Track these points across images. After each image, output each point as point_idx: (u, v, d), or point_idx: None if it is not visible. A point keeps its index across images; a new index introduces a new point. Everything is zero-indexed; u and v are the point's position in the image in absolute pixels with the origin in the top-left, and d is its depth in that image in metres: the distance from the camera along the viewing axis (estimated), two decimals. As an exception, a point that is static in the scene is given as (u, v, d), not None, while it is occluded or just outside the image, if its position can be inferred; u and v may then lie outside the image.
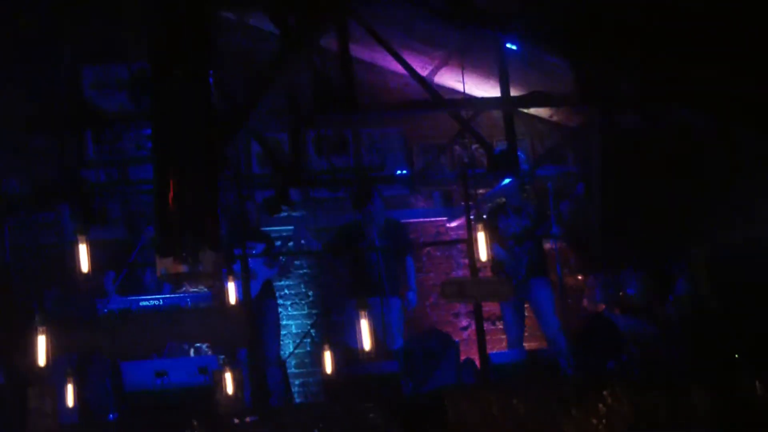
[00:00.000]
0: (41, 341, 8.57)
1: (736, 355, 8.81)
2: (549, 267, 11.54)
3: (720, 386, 6.96)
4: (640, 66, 9.66)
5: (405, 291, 11.36)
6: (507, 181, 11.49)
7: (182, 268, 6.41)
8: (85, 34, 11.76)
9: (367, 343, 8.88)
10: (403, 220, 12.39)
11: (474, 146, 12.75)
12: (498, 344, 12.40)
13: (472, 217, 9.71)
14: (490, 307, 12.36)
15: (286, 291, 12.50)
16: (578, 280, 11.89)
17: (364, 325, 8.86)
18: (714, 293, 10.19)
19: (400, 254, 11.49)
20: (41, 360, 8.59)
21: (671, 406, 6.85)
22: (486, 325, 10.43)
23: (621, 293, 10.83)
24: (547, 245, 11.64)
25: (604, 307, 11.01)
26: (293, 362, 12.14)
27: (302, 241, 11.33)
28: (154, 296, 10.37)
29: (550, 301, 11.30)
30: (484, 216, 11.41)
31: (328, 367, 9.69)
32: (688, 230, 10.48)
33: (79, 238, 8.96)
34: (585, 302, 11.45)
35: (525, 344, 11.70)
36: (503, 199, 11.87)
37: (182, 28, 6.59)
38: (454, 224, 13.03)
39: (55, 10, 11.33)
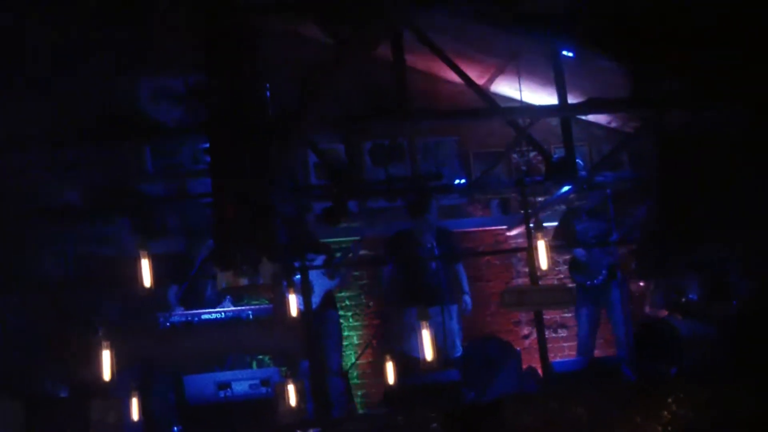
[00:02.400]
0: (105, 355, 8.68)
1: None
2: (632, 271, 11.55)
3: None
4: (694, 65, 9.61)
5: (461, 295, 11.39)
6: (566, 188, 11.48)
7: (243, 281, 6.45)
8: (142, 47, 11.86)
9: (429, 354, 8.90)
10: (460, 229, 12.40)
11: (531, 154, 12.74)
12: (560, 352, 12.40)
13: (531, 225, 9.72)
14: (552, 315, 12.35)
15: (347, 302, 12.53)
16: (640, 285, 11.83)
17: (426, 335, 8.88)
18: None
19: (451, 261, 11.53)
20: (106, 374, 8.69)
21: (733, 410, 6.81)
22: (547, 333, 10.44)
23: (683, 298, 10.77)
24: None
25: (666, 312, 10.96)
26: (355, 373, 12.16)
27: (361, 252, 11.37)
28: (215, 309, 10.44)
29: (626, 305, 11.26)
30: (556, 223, 11.52)
31: (390, 378, 9.72)
32: (749, 229, 10.39)
33: (141, 252, 9.07)
34: (647, 308, 11.41)
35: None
36: (575, 203, 11.88)
37: (233, 39, 6.65)
38: (513, 232, 13.01)
39: (112, 21, 11.44)
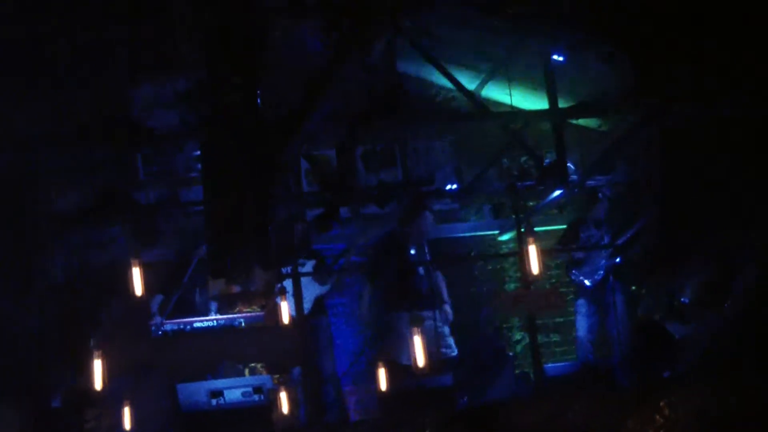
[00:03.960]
0: (97, 365, 8.68)
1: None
2: (631, 276, 11.58)
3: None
4: (692, 61, 9.61)
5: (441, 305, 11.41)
6: (557, 192, 11.50)
7: (235, 289, 6.46)
8: (135, 48, 11.84)
9: (421, 359, 8.90)
10: (453, 235, 12.39)
11: (523, 158, 12.75)
12: (552, 357, 12.38)
13: (522, 229, 9.72)
14: (544, 320, 12.34)
15: (340, 308, 12.51)
16: (633, 289, 11.86)
17: (418, 341, 8.89)
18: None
19: (435, 269, 11.53)
20: (97, 383, 8.69)
21: (728, 413, 6.81)
22: (540, 338, 10.44)
23: (676, 302, 10.78)
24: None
25: (659, 316, 10.97)
26: (348, 380, 12.15)
27: (352, 258, 11.37)
28: (207, 317, 10.44)
29: (621, 308, 11.27)
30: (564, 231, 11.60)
31: (383, 384, 9.72)
32: (751, 225, 10.39)
33: (133, 261, 9.09)
34: (640, 311, 11.42)
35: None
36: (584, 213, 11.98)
37: (234, 42, 6.66)
38: (505, 237, 13.01)
39: (105, 26, 11.43)
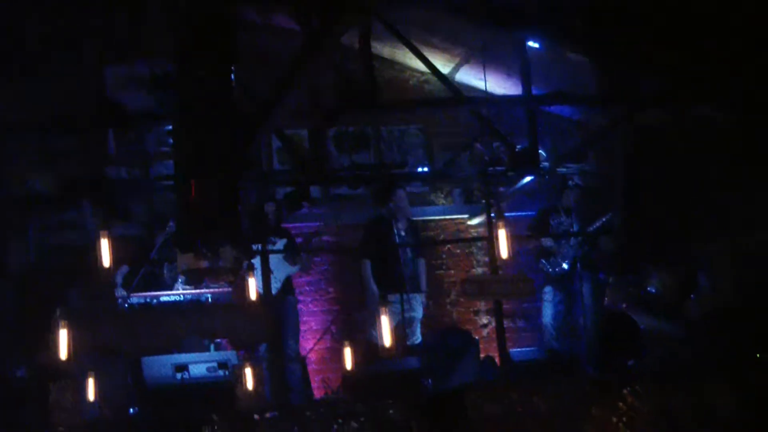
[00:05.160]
0: (63, 335, 8.61)
1: (758, 354, 8.77)
2: (599, 264, 11.61)
3: (742, 385, 6.93)
4: (662, 63, 9.63)
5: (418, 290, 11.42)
6: (528, 179, 11.50)
7: (203, 264, 6.41)
8: (107, 33, 11.78)
9: (387, 340, 8.88)
10: (423, 218, 12.38)
11: (495, 144, 12.71)
12: (518, 342, 12.39)
13: (492, 214, 9.70)
14: (511, 305, 12.36)
15: (307, 287, 12.49)
16: (601, 279, 11.87)
17: (385, 322, 8.86)
18: (737, 290, 10.15)
19: (418, 254, 11.54)
20: (63, 354, 8.62)
21: (692, 405, 6.83)
22: (506, 323, 10.43)
23: (642, 292, 10.81)
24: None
25: (625, 306, 10.99)
26: (313, 358, 12.14)
27: (323, 238, 11.35)
28: (174, 291, 10.39)
29: (588, 297, 11.29)
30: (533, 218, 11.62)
31: (348, 364, 9.70)
32: (711, 227, 10.44)
33: (101, 233, 9.02)
34: (606, 301, 11.44)
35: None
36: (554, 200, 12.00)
37: (205, 26, 6.59)
38: (474, 222, 13.01)
39: (77, 7, 11.36)
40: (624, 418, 6.71)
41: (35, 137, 11.23)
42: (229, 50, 6.65)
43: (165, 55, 7.62)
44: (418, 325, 11.34)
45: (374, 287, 11.17)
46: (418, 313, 11.35)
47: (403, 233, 11.34)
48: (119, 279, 10.63)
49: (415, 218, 12.05)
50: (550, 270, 11.62)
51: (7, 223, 11.10)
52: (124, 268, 10.67)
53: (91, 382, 9.17)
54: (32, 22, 11.23)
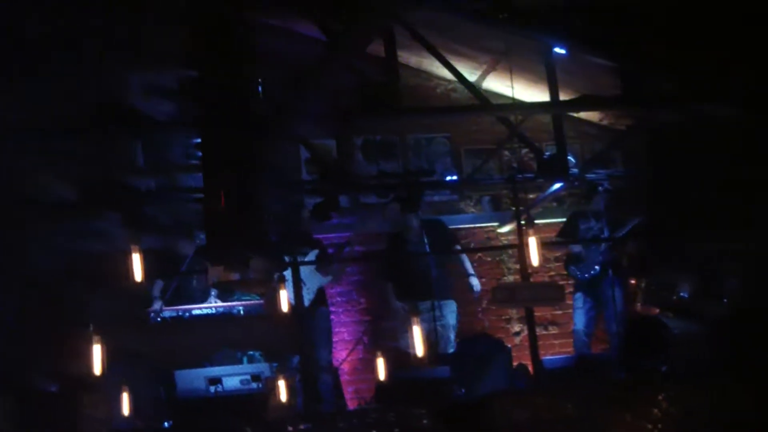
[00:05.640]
0: (96, 350, 8.67)
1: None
2: (630, 269, 11.62)
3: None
4: (683, 64, 9.63)
5: (466, 278, 11.43)
6: (557, 185, 11.51)
7: (233, 276, 6.46)
8: (132, 40, 11.83)
9: (420, 349, 8.90)
10: (452, 226, 12.40)
11: (523, 151, 12.75)
12: (551, 349, 12.40)
13: (522, 221, 9.72)
14: (542, 312, 12.36)
15: (338, 298, 12.51)
16: (631, 283, 11.86)
17: (417, 331, 8.89)
18: (765, 291, 10.12)
19: (445, 253, 11.55)
20: (96, 368, 8.68)
21: (726, 409, 6.82)
22: (538, 330, 10.44)
23: (674, 296, 10.79)
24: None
25: (657, 310, 10.98)
26: (346, 369, 12.17)
27: (355, 248, 11.39)
28: (206, 305, 10.44)
29: (618, 302, 11.29)
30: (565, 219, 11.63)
31: (381, 374, 9.72)
32: (738, 227, 10.40)
33: (132, 247, 9.08)
34: (638, 306, 11.43)
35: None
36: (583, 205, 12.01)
37: (226, 34, 6.65)
38: (504, 230, 13.02)
39: (103, 14, 11.42)
40: (659, 425, 6.72)
41: (60, 144, 11.29)
42: (249, 57, 6.71)
43: (188, 62, 7.69)
44: (452, 332, 11.33)
45: (396, 303, 11.25)
46: (451, 320, 11.35)
47: (416, 240, 11.32)
48: (156, 293, 10.68)
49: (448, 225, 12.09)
50: (580, 276, 11.63)
51: (31, 230, 11.18)
52: (159, 283, 10.73)
53: (124, 396, 9.23)
54: (60, 24, 11.27)
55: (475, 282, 11.53)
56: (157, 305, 10.40)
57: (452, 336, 11.31)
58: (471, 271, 11.59)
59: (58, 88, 11.04)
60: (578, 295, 11.71)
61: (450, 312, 11.35)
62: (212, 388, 9.38)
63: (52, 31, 10.90)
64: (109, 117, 11.12)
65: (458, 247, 11.85)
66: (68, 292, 10.67)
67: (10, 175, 10.57)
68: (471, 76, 11.92)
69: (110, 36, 11.40)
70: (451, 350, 11.15)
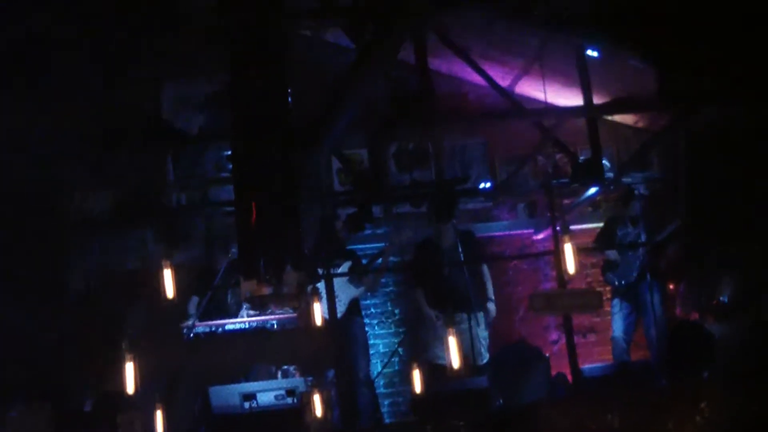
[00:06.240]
0: (129, 368, 8.69)
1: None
2: (669, 274, 11.56)
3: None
4: (720, 62, 9.57)
5: (484, 302, 11.35)
6: (592, 190, 11.47)
7: (266, 290, 6.44)
8: (164, 53, 11.85)
9: (456, 361, 8.87)
10: (487, 234, 12.36)
11: (557, 155, 12.70)
12: (589, 357, 12.33)
13: (558, 227, 9.67)
14: (581, 320, 12.31)
15: (372, 310, 12.50)
16: (670, 288, 11.80)
17: (452, 342, 8.86)
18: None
19: (474, 265, 11.48)
20: (129, 387, 8.70)
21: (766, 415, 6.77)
22: (576, 338, 10.38)
23: (714, 301, 10.72)
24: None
25: (697, 315, 10.92)
26: (382, 382, 12.15)
27: (390, 258, 11.35)
28: (239, 319, 10.44)
29: (658, 308, 11.22)
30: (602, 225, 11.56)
31: (417, 386, 9.70)
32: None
33: (164, 263, 9.09)
34: (678, 311, 11.37)
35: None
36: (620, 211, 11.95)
37: (260, 43, 6.65)
38: (540, 236, 12.97)
39: (134, 28, 11.45)
40: (702, 432, 6.67)
41: (93, 160, 11.32)
42: (282, 67, 6.70)
43: (221, 73, 7.70)
44: (482, 344, 11.26)
45: (429, 310, 11.22)
46: (481, 332, 11.27)
47: (451, 250, 11.26)
48: (192, 309, 10.70)
49: (480, 234, 12.05)
50: (617, 283, 11.58)
51: (66, 247, 11.23)
52: (195, 298, 10.75)
53: (159, 414, 9.24)
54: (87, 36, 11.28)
55: (492, 308, 11.44)
56: (190, 321, 10.41)
57: (483, 349, 11.23)
58: (491, 294, 11.48)
59: (86, 103, 11.09)
60: (616, 301, 11.66)
61: (479, 323, 11.27)
62: (247, 404, 9.37)
63: (81, 46, 10.96)
64: (141, 131, 11.17)
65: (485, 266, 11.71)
66: (104, 309, 10.72)
67: (45, 191, 10.64)
68: (503, 81, 11.90)
69: (140, 48, 11.46)
70: (484, 362, 11.09)
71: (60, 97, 10.93)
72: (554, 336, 12.78)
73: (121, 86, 11.67)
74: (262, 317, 10.35)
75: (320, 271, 9.98)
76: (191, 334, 10.21)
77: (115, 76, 11.60)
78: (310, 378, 9.99)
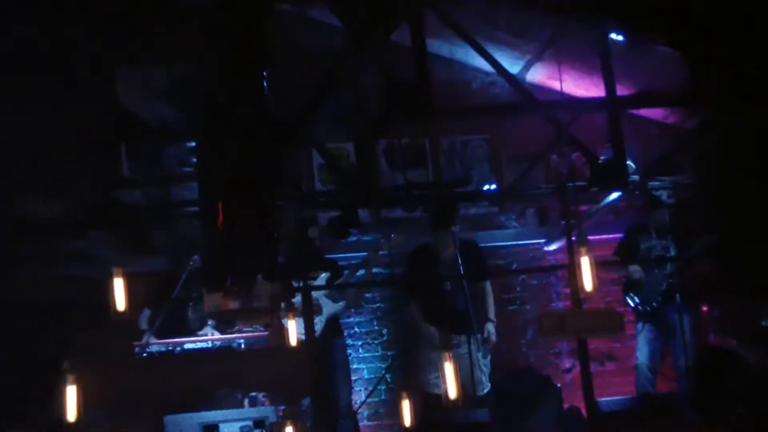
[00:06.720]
0: (71, 392, 8.57)
1: None
2: (698, 294, 11.51)
3: None
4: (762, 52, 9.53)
5: (483, 323, 11.28)
6: (614, 195, 11.40)
7: (234, 304, 6.38)
8: (120, 35, 11.80)
9: (453, 390, 8.79)
10: (491, 244, 12.30)
11: (574, 155, 12.64)
12: (608, 388, 12.28)
13: (573, 238, 9.61)
14: (598, 345, 12.27)
15: (357, 329, 12.48)
16: (703, 311, 11.76)
17: (449, 369, 8.78)
18: None
19: (477, 281, 11.42)
20: (71, 415, 8.59)
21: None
22: (593, 366, 10.34)
23: (754, 325, 10.69)
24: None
25: (734, 342, 10.88)
26: (365, 413, 12.12)
27: (374, 270, 11.29)
28: (201, 338, 10.39)
29: (688, 333, 11.17)
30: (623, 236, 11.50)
31: (407, 419, 9.63)
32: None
33: (115, 271, 8.97)
34: (711, 337, 11.34)
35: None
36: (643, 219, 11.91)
37: (235, 20, 6.60)
38: (552, 248, 12.93)
39: (87, 12, 11.42)
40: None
41: (36, 154, 11.28)
42: (261, 51, 6.64)
43: (185, 57, 7.63)
44: (481, 372, 11.18)
45: (428, 327, 11.14)
46: (482, 357, 11.18)
47: (451, 263, 11.19)
48: (144, 324, 10.64)
49: (483, 245, 12.00)
50: (640, 307, 11.52)
51: (17, 255, 11.16)
52: (147, 312, 10.69)
53: (106, 446, 9.18)
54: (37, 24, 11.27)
55: (492, 329, 11.37)
56: (147, 338, 10.34)
57: (483, 377, 11.17)
58: (491, 315, 11.43)
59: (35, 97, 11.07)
60: (640, 324, 11.60)
61: (482, 347, 11.21)
62: (208, 437, 9.34)
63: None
64: (95, 124, 11.12)
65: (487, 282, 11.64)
66: (50, 323, 10.65)
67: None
68: (513, 68, 11.85)
69: (100, 32, 11.43)
70: (484, 392, 11.03)
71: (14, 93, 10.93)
72: (567, 364, 12.76)
73: (71, 76, 11.63)
74: (228, 335, 10.31)
75: (296, 283, 9.92)
76: (144, 353, 10.14)
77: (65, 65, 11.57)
78: (282, 407, 9.95)
